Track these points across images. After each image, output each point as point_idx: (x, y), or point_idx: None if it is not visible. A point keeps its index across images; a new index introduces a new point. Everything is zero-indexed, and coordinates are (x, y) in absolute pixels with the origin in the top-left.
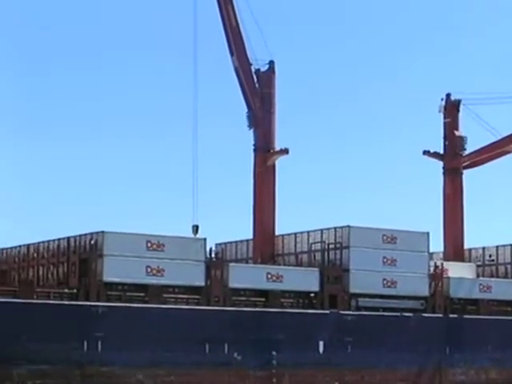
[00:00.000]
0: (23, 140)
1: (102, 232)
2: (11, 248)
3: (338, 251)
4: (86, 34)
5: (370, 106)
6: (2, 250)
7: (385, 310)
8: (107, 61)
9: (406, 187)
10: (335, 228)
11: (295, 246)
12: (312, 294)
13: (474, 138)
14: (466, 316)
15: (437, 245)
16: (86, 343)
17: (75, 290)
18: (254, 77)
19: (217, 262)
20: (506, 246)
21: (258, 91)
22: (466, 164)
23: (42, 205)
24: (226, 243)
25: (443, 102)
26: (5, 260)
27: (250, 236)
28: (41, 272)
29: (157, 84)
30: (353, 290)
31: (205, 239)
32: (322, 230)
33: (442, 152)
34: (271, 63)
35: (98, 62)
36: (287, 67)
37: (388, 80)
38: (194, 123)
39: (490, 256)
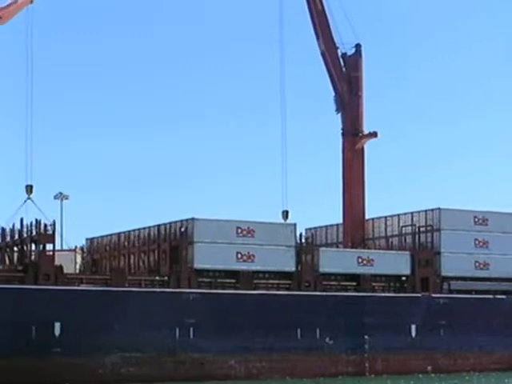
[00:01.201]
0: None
1: (192, 219)
2: (102, 237)
3: (428, 234)
4: (179, 29)
5: (457, 85)
6: (94, 239)
7: (477, 292)
8: (198, 54)
9: (498, 167)
10: (426, 211)
11: (385, 229)
12: (403, 278)
13: None
14: None
15: None
16: (177, 330)
17: (166, 278)
18: (341, 60)
19: (307, 247)
20: None
21: (345, 75)
22: None
23: (132, 193)
24: (315, 228)
25: None
26: (96, 249)
27: (340, 220)
28: (132, 260)
29: (243, 72)
30: (444, 272)
31: (295, 224)
32: (412, 213)
33: None
34: (358, 46)
35: (189, 55)
36: (374, 50)
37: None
38: (282, 109)
39: None
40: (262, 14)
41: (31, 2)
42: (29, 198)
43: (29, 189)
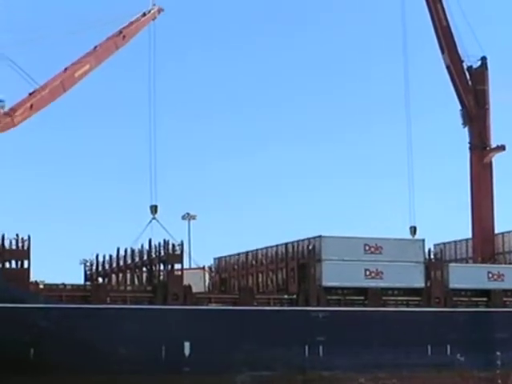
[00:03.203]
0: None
1: (320, 237)
2: (230, 256)
3: None
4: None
5: None
6: (222, 258)
7: None
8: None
9: None
10: None
11: None
12: None
13: None
14: None
15: None
16: (307, 348)
17: (295, 296)
18: (467, 73)
19: (436, 263)
20: None
21: (471, 88)
22: None
23: (258, 212)
24: (444, 243)
25: None
26: (224, 268)
27: (469, 235)
28: (260, 279)
29: (370, 85)
30: None
31: (423, 240)
32: None
33: None
34: (483, 59)
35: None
36: (499, 62)
37: None
38: (407, 123)
39: None
40: (385, 28)
41: (153, 19)
42: (154, 219)
43: (153, 209)
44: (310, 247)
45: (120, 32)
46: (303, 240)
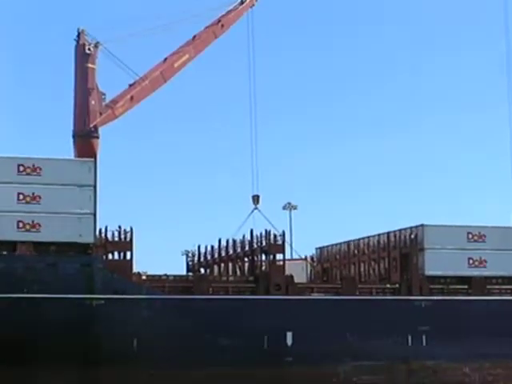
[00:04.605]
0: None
1: (422, 225)
2: (332, 246)
3: None
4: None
5: None
6: (323, 248)
7: None
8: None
9: None
10: None
11: None
12: None
13: None
14: None
15: None
16: (410, 338)
17: (397, 285)
18: None
19: None
20: None
21: None
22: None
23: (359, 201)
24: None
25: None
26: (326, 258)
27: None
28: (362, 268)
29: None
30: None
31: None
32: None
33: None
34: None
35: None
36: None
37: None
38: (510, 108)
39: None
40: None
41: (251, 6)
42: (256, 208)
43: (255, 199)
44: (413, 236)
45: (218, 21)
46: (405, 229)
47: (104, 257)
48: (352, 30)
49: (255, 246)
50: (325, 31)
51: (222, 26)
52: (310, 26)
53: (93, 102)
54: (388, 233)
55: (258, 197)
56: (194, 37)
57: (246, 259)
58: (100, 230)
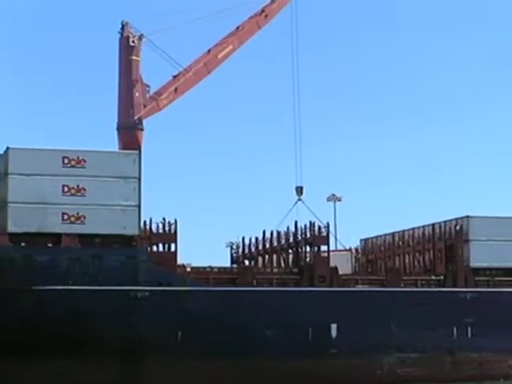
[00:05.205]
0: None
1: (467, 217)
2: (376, 237)
3: None
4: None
5: None
6: (368, 239)
7: None
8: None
9: None
10: None
11: None
12: None
13: None
14: None
15: None
16: (455, 329)
17: (442, 277)
18: None
19: None
20: None
21: None
22: None
23: (404, 192)
24: None
25: None
26: (371, 249)
27: None
28: (407, 260)
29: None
30: None
31: None
32: None
33: None
34: None
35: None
36: None
37: None
38: None
39: None
40: None
41: None
42: (299, 200)
43: (299, 190)
44: (458, 227)
45: (262, 11)
46: (450, 220)
47: (148, 249)
48: (396, 18)
49: (299, 237)
50: (370, 19)
51: (266, 16)
52: (355, 14)
53: (137, 95)
54: (433, 224)
55: (301, 188)
56: (238, 27)
57: (290, 251)
58: (144, 222)
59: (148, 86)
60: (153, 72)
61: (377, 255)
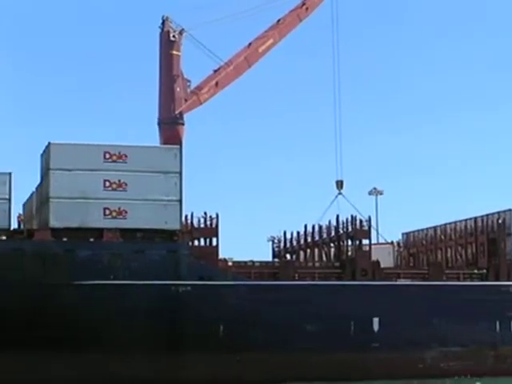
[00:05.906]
0: None
1: (510, 210)
2: (418, 231)
3: None
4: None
5: None
6: (410, 233)
7: None
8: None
9: None
10: None
11: None
12: None
13: None
14: None
15: None
16: (498, 323)
17: (484, 271)
18: None
19: None
20: None
21: None
22: None
23: (443, 186)
24: None
25: None
26: (413, 243)
27: None
28: (449, 253)
29: None
30: None
31: None
32: None
33: None
34: None
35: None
36: None
37: None
38: None
39: None
40: None
41: None
42: (340, 194)
43: (339, 184)
44: (500, 221)
45: (303, 4)
46: (493, 214)
47: (190, 243)
48: (436, 12)
49: (341, 231)
50: (409, 12)
51: (307, 8)
52: (395, 8)
53: (178, 89)
54: (475, 217)
55: (341, 182)
56: (279, 21)
57: (331, 245)
58: (186, 217)
59: (189, 81)
60: (193, 66)
61: (419, 249)
